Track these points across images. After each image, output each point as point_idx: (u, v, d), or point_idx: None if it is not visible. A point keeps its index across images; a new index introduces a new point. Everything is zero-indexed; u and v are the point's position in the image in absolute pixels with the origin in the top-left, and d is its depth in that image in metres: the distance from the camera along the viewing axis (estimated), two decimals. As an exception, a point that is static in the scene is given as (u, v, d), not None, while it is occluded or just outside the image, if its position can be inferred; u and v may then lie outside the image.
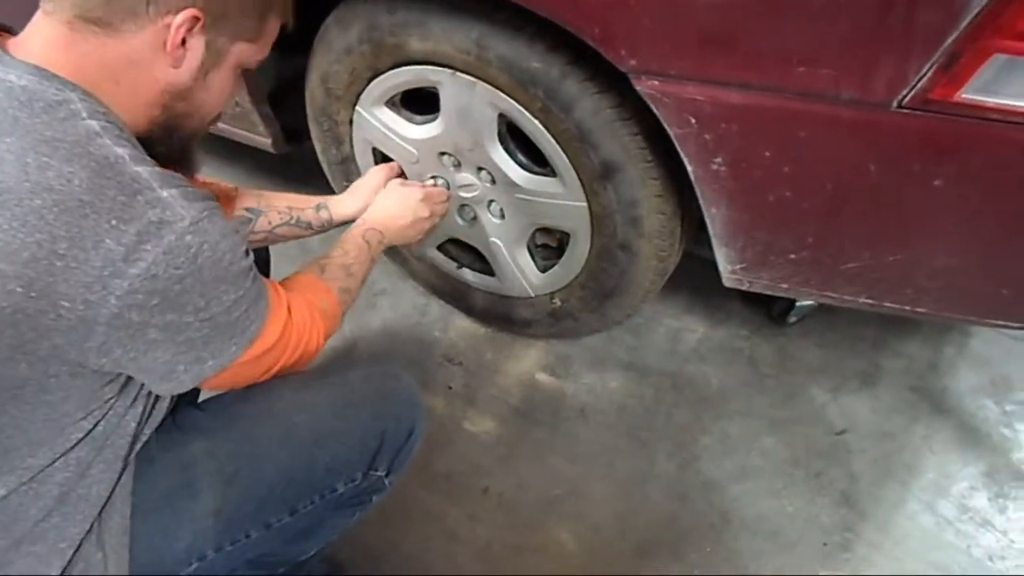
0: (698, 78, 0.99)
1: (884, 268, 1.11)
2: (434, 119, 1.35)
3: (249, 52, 0.92)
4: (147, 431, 0.94)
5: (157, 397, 0.93)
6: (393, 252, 1.68)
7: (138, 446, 0.93)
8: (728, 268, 1.22)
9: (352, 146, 1.48)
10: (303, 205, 1.32)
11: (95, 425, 0.85)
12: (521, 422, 1.58)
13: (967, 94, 0.88)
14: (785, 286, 1.21)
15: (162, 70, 0.83)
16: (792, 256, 1.15)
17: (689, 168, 1.09)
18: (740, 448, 1.50)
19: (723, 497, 1.43)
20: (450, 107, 1.29)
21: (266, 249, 1.36)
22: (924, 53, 0.86)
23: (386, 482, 1.08)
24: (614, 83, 1.13)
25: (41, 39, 0.79)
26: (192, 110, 0.90)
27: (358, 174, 1.53)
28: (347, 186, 1.52)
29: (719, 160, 1.06)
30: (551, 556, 1.37)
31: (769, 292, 1.25)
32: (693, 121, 1.03)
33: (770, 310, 1.68)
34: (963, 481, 1.41)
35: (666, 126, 1.05)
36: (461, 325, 1.75)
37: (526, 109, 1.20)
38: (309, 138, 1.61)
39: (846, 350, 1.63)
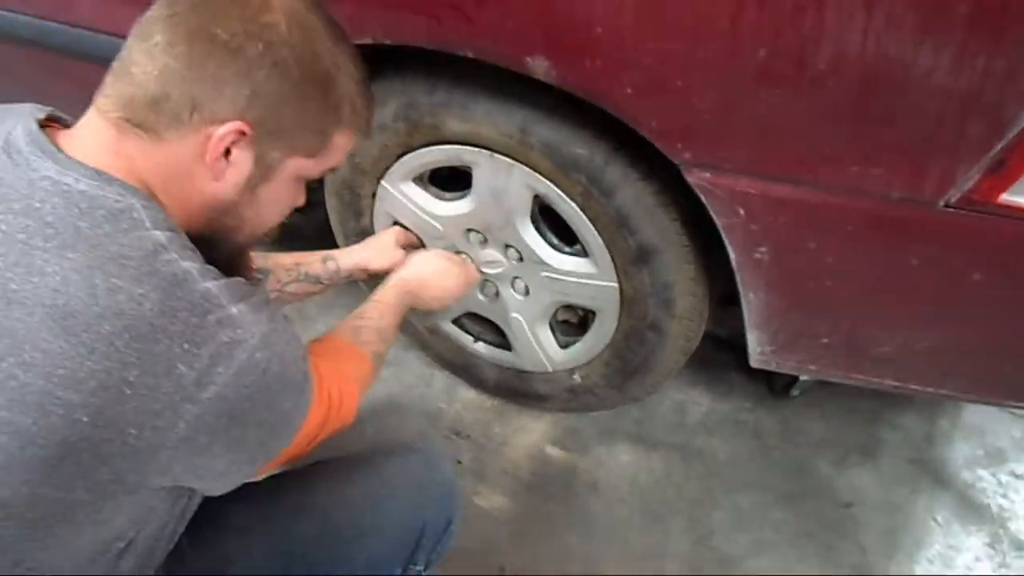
0: (750, 172, 1.03)
1: (914, 354, 1.16)
2: (463, 196, 1.36)
3: (311, 166, 0.84)
4: (181, 528, 0.90)
5: (192, 492, 0.87)
6: (406, 324, 1.66)
7: (171, 546, 0.89)
8: (758, 350, 1.26)
9: (372, 219, 1.48)
10: (309, 259, 1.30)
11: (138, 533, 0.81)
12: (533, 497, 1.57)
13: (1008, 196, 0.94)
14: (813, 368, 1.25)
15: (204, 182, 0.77)
16: (824, 341, 1.19)
17: (732, 255, 1.12)
18: (753, 522, 1.52)
19: (739, 572, 1.44)
20: (483, 187, 1.31)
21: None
22: (973, 159, 0.92)
23: (423, 573, 1.06)
24: (656, 170, 1.16)
25: (94, 138, 0.75)
26: (240, 224, 0.84)
27: (375, 248, 1.53)
28: None
29: (763, 249, 1.10)
30: (576, 637, 1.36)
31: (795, 373, 1.28)
32: (742, 212, 1.07)
33: (771, 384, 1.72)
34: (967, 552, 1.46)
35: (714, 215, 1.09)
36: (466, 397, 1.74)
37: (565, 193, 1.23)
38: (316, 208, 1.60)
39: (846, 423, 1.67)
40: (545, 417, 1.70)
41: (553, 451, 1.65)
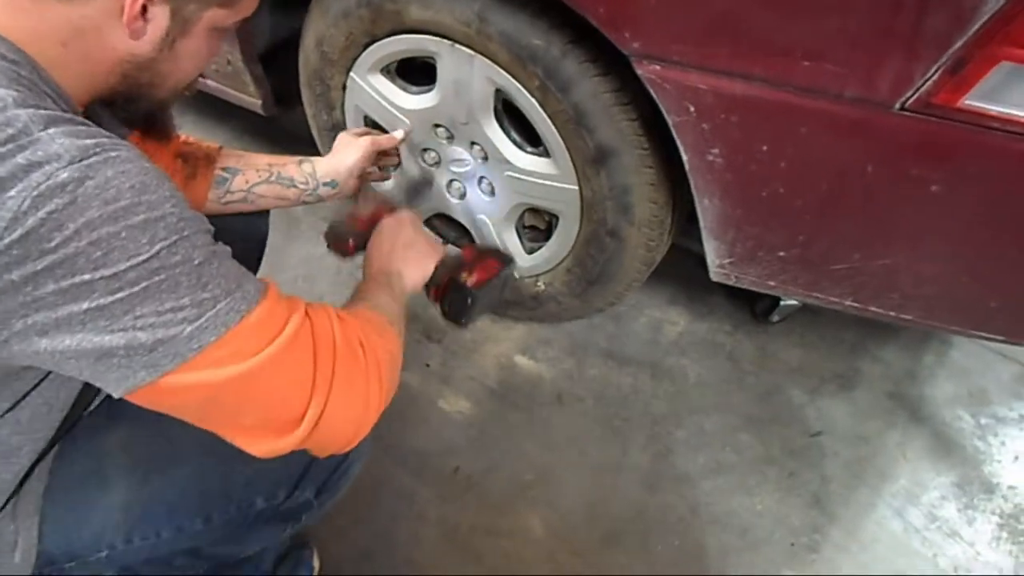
0: (701, 66, 0.97)
1: (872, 272, 1.10)
2: (429, 90, 1.32)
3: (225, 15, 0.80)
4: (84, 413, 0.89)
5: None
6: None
7: (68, 425, 0.88)
8: (716, 262, 1.21)
9: (343, 112, 1.45)
10: (285, 161, 1.22)
11: (33, 388, 0.79)
12: (497, 404, 1.56)
13: (970, 101, 0.86)
14: (772, 283, 1.20)
15: (120, 40, 0.73)
16: (781, 254, 1.14)
17: (685, 157, 1.07)
18: (715, 443, 1.49)
19: (694, 491, 1.43)
20: (447, 79, 1.26)
21: (262, 232, 1.26)
22: (931, 57, 0.85)
23: (314, 503, 0.99)
24: (614, 66, 1.11)
25: None
26: (158, 80, 0.80)
27: (348, 142, 1.50)
28: None
29: (715, 151, 1.04)
30: (518, 541, 1.36)
31: (755, 289, 1.24)
32: (692, 109, 1.01)
33: (753, 308, 1.67)
34: (934, 490, 1.42)
35: (664, 113, 1.04)
36: (443, 302, 1.73)
37: (524, 87, 1.18)
38: (299, 103, 1.58)
39: (826, 352, 1.62)
40: (518, 327, 1.68)
41: (522, 360, 1.63)
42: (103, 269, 0.61)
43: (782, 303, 1.59)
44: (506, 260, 1.16)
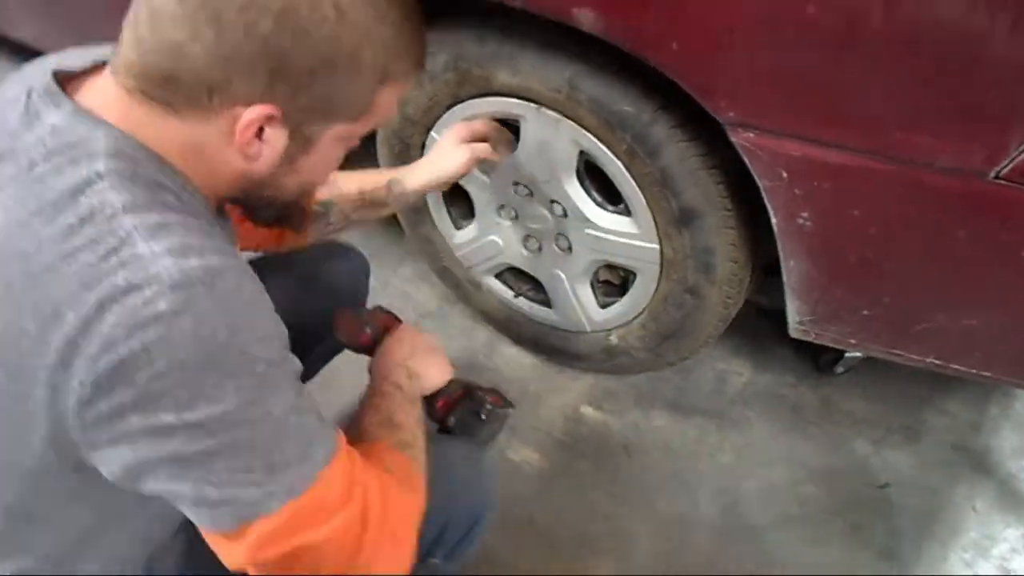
0: (795, 134, 1.01)
1: (956, 331, 1.13)
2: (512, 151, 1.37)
3: (355, 129, 0.76)
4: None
5: None
6: (446, 275, 1.69)
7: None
8: (797, 319, 1.24)
9: (421, 170, 1.50)
10: (373, 184, 1.22)
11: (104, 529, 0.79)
12: (564, 455, 1.59)
13: (1064, 170, 0.90)
14: (853, 341, 1.23)
15: (235, 160, 0.70)
16: (865, 313, 1.17)
17: (774, 220, 1.11)
18: (783, 495, 1.51)
19: (764, 543, 1.44)
20: (531, 140, 1.31)
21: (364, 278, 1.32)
22: (1027, 129, 0.89)
23: (441, 567, 0.97)
24: (703, 131, 1.15)
25: (103, 95, 0.68)
26: (279, 192, 0.78)
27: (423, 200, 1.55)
28: (413, 209, 1.55)
29: (805, 215, 1.08)
30: (595, 591, 1.38)
31: (834, 345, 1.26)
32: (784, 175, 1.05)
33: (817, 359, 1.69)
34: (1004, 543, 1.43)
35: (756, 178, 1.07)
36: (507, 352, 1.76)
37: (610, 150, 1.23)
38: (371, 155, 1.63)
39: (890, 404, 1.64)
40: (583, 378, 1.71)
41: (588, 411, 1.66)
42: (187, 412, 0.60)
43: (847, 355, 1.62)
44: (509, 401, 1.15)
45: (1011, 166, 0.92)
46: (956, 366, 1.18)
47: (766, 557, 1.42)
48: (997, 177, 0.93)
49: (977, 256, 1.02)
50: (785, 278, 1.18)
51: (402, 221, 1.67)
